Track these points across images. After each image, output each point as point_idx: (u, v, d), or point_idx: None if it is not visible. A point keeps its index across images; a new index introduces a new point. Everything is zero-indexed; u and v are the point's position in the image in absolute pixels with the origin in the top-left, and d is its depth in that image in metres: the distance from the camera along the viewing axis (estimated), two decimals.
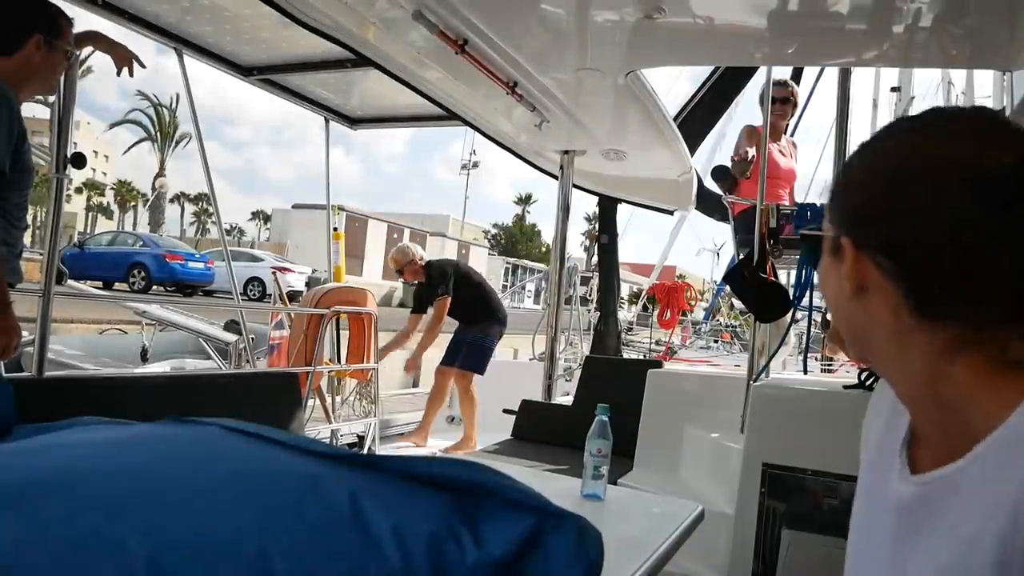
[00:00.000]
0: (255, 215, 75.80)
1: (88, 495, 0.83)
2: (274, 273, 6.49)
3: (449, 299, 5.41)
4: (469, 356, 5.37)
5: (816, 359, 5.33)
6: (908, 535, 0.71)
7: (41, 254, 2.48)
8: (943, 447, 0.69)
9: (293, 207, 39.62)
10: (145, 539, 0.80)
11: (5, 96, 2.02)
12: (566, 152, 4.42)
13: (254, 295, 19.58)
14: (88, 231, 41.74)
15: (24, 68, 2.14)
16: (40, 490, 0.83)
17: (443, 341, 5.61)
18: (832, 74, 8.25)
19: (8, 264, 2.13)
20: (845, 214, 0.75)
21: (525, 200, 68.65)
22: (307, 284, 16.99)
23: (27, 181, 2.18)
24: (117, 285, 18.71)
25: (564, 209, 4.73)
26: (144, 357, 6.35)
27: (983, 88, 11.07)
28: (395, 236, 37.02)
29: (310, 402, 4.28)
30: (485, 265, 41.46)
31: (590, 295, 7.80)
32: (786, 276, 3.94)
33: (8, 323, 2.00)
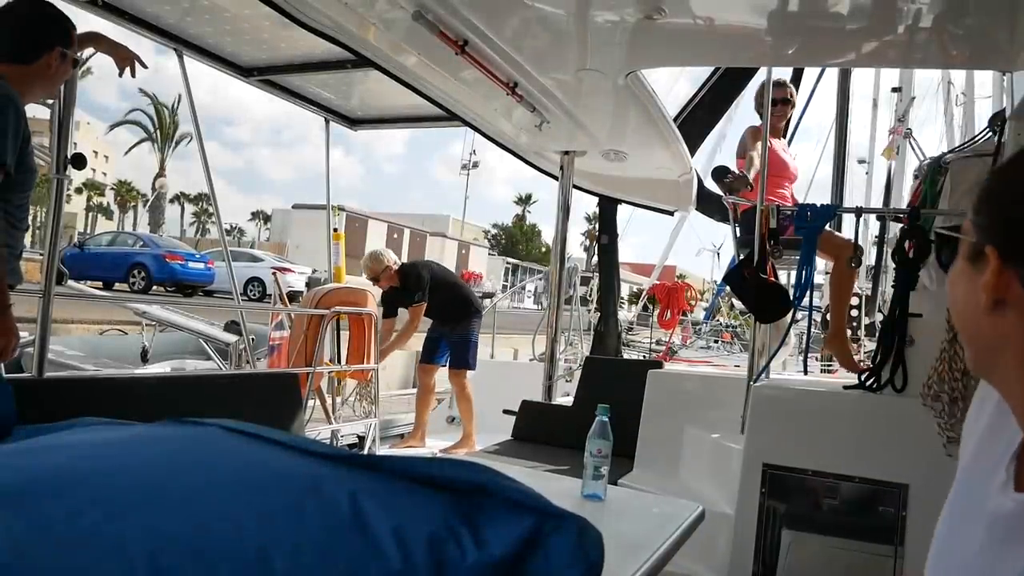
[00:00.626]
0: (255, 215, 75.87)
1: (88, 495, 0.83)
2: (274, 273, 6.49)
3: (425, 305, 5.34)
4: (458, 354, 5.41)
5: (816, 359, 5.34)
6: (1002, 547, 0.70)
7: (41, 254, 2.48)
8: None
9: (293, 207, 39.63)
10: (145, 539, 0.80)
11: (12, 100, 2.08)
12: (566, 153, 4.42)
13: (254, 295, 19.56)
14: (88, 231, 41.73)
15: (38, 76, 2.23)
16: (40, 490, 0.83)
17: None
18: (832, 74, 8.27)
19: (8, 265, 2.15)
20: (997, 222, 0.71)
21: (525, 200, 68.65)
22: (307, 284, 16.99)
23: (29, 182, 2.24)
24: (117, 285, 18.70)
25: (564, 209, 4.73)
26: (144, 358, 6.35)
27: (983, 89, 11.09)
28: (395, 236, 37.02)
29: (310, 403, 4.28)
30: (485, 265, 41.46)
31: (590, 295, 7.79)
32: (786, 276, 3.94)
33: (7, 324, 2.03)
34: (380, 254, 5.43)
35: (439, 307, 5.43)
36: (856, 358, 5.98)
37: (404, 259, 5.91)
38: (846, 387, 2.89)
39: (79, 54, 2.36)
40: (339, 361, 5.19)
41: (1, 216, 2.12)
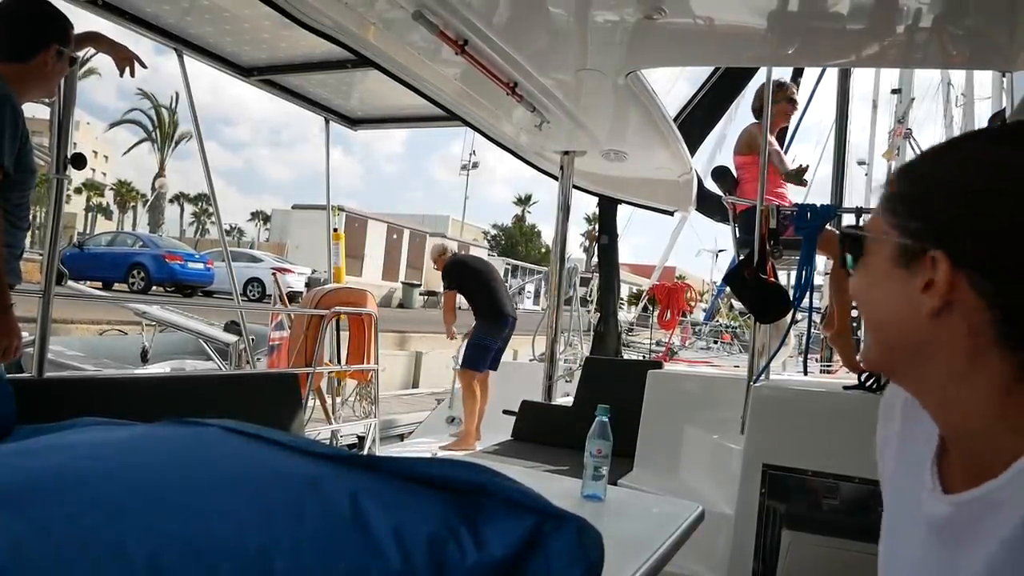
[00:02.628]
0: (254, 215, 75.82)
1: (88, 496, 0.83)
2: (274, 274, 6.50)
3: (453, 294, 5.94)
4: (466, 354, 5.65)
5: (816, 360, 5.33)
6: (945, 553, 0.70)
7: (41, 254, 2.48)
8: (980, 464, 0.67)
9: (293, 207, 39.58)
10: (145, 540, 0.80)
11: (8, 98, 2.07)
12: (566, 153, 4.42)
13: (254, 296, 19.57)
14: (88, 231, 41.73)
15: (35, 74, 2.22)
16: (40, 491, 0.83)
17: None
18: (832, 75, 8.26)
19: (8, 265, 2.15)
20: (940, 224, 0.69)
21: (525, 201, 68.62)
22: (307, 285, 17.00)
23: (29, 182, 2.23)
24: (117, 285, 18.70)
25: (564, 210, 4.73)
26: (144, 358, 6.36)
27: (983, 89, 11.10)
28: (395, 236, 37.01)
29: (310, 403, 4.28)
30: None
31: (590, 296, 7.79)
32: (786, 277, 3.94)
33: (9, 324, 2.04)
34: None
35: (469, 301, 5.97)
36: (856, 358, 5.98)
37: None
38: (846, 387, 2.89)
39: (78, 53, 2.35)
40: (339, 361, 5.19)
41: (1, 216, 2.10)
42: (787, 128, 4.69)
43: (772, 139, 3.99)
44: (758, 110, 4.13)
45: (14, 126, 2.06)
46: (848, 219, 3.59)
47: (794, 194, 4.31)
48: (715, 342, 12.81)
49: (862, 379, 2.82)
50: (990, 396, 0.67)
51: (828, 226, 3.21)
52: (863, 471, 2.64)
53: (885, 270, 0.73)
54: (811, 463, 2.72)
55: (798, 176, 3.87)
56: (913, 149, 9.09)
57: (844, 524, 2.65)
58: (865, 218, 3.34)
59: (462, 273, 5.95)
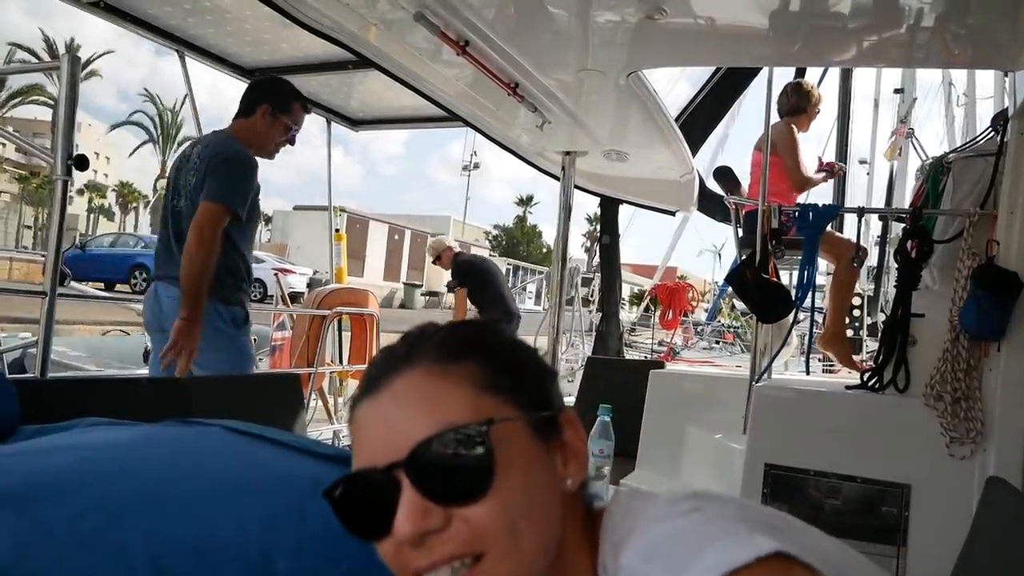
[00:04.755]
0: None
1: (91, 497, 0.83)
2: (276, 274, 6.50)
3: (463, 291, 6.06)
4: None
5: (819, 360, 5.33)
6: None
7: (43, 256, 2.49)
8: None
9: (294, 208, 39.63)
10: (148, 541, 0.80)
11: (250, 160, 2.63)
12: (567, 153, 4.41)
13: (255, 296, 19.58)
14: (90, 232, 41.79)
15: (252, 129, 2.70)
16: (43, 491, 0.83)
17: None
18: (834, 75, 8.26)
19: (234, 294, 2.74)
20: (526, 384, 0.68)
21: (526, 201, 68.62)
22: (308, 285, 17.01)
23: (254, 226, 2.84)
24: (119, 286, 18.72)
25: (566, 210, 4.72)
26: (146, 358, 6.36)
27: (984, 89, 11.07)
28: (396, 237, 37.01)
29: (312, 403, 4.28)
30: None
31: (592, 296, 7.79)
32: (788, 277, 3.94)
33: (193, 334, 2.54)
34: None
35: (474, 302, 6.05)
36: (857, 358, 5.98)
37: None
38: (848, 387, 2.88)
39: (296, 128, 2.83)
40: (341, 361, 5.20)
41: (228, 248, 2.62)
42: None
43: (796, 138, 3.97)
44: (792, 110, 4.08)
45: (252, 182, 2.62)
46: (850, 219, 3.58)
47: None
48: (717, 342, 12.81)
49: (864, 379, 2.82)
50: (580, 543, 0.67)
51: (829, 227, 3.21)
52: (866, 471, 2.64)
53: (531, 457, 0.65)
54: (813, 463, 2.72)
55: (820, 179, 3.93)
56: (915, 149, 9.06)
57: (846, 524, 2.65)
58: (868, 220, 3.34)
59: (471, 272, 6.03)
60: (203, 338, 2.63)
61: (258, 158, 2.75)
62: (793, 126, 4.02)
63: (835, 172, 4.34)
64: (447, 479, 0.59)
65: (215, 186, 2.55)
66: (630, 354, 8.28)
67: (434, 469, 0.60)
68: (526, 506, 0.62)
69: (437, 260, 6.36)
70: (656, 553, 0.58)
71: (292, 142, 2.80)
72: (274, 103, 2.68)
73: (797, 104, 4.10)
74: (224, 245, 2.59)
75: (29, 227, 48.59)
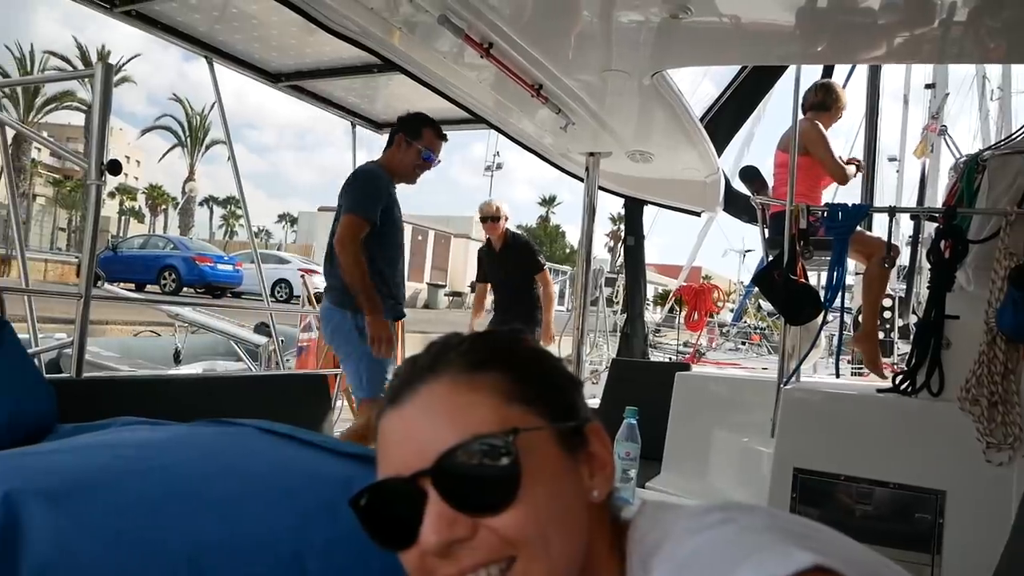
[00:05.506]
0: (281, 217, 76.66)
1: (129, 494, 0.85)
2: (303, 276, 6.56)
3: (484, 287, 5.42)
4: None
5: (848, 362, 5.26)
6: None
7: (77, 257, 2.54)
8: None
9: (319, 210, 39.87)
10: (184, 538, 0.82)
11: (375, 173, 3.12)
12: (591, 154, 4.40)
13: (281, 296, 19.78)
14: (121, 234, 42.45)
15: (393, 158, 3.15)
16: (83, 488, 0.85)
17: None
18: (861, 71, 8.14)
19: (385, 304, 3.06)
20: (551, 394, 0.69)
21: (549, 202, 68.53)
22: None
23: (395, 236, 3.18)
24: (149, 287, 19.01)
25: (590, 211, 4.70)
26: (177, 359, 6.47)
27: (1021, 82, 10.84)
28: (419, 238, 37.13)
29: (338, 403, 4.31)
30: None
31: (616, 297, 7.76)
32: (816, 278, 3.89)
33: (383, 325, 2.99)
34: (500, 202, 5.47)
35: (505, 303, 5.27)
36: (888, 361, 5.89)
37: (428, 261, 6.07)
38: (880, 390, 2.84)
39: (438, 159, 3.27)
40: None
41: (375, 260, 3.00)
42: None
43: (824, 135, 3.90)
44: (815, 105, 4.01)
45: (379, 192, 3.03)
46: (879, 218, 3.53)
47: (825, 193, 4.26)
48: (743, 343, 12.70)
49: (896, 382, 2.77)
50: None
51: (859, 227, 3.16)
52: (898, 476, 2.60)
53: (555, 469, 0.64)
54: (844, 467, 2.68)
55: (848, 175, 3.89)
56: (948, 146, 8.89)
57: (878, 531, 2.61)
58: (899, 219, 3.28)
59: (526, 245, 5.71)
60: (339, 347, 3.15)
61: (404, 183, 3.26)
62: (818, 122, 3.94)
63: (859, 168, 4.27)
64: (473, 488, 0.59)
65: (348, 200, 3.02)
66: (655, 355, 8.24)
67: (460, 478, 0.59)
68: (553, 515, 0.61)
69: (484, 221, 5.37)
70: (688, 567, 0.57)
71: (428, 166, 3.21)
72: (407, 132, 3.11)
73: (823, 101, 4.02)
74: (363, 254, 3.00)
75: (63, 229, 49.50)
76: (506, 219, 5.12)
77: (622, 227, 6.74)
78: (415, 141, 3.09)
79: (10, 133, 3.64)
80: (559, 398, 0.68)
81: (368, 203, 3.00)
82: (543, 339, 5.08)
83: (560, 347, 7.03)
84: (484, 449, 0.59)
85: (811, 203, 3.53)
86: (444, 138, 3.22)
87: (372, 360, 3.06)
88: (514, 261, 5.08)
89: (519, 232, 5.23)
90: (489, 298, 5.68)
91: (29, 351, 1.99)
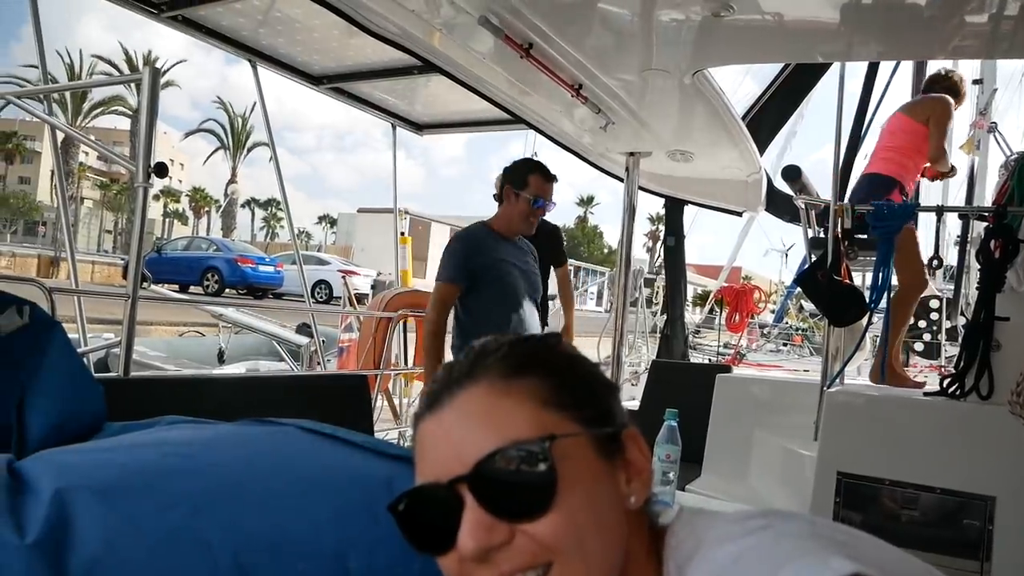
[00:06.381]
0: (321, 219, 77.69)
1: (175, 492, 0.87)
2: (344, 277, 6.63)
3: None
4: None
5: None
6: None
7: (123, 259, 2.61)
8: None
9: (358, 211, 40.35)
10: (229, 536, 0.83)
11: (461, 235, 3.03)
12: (631, 154, 4.37)
13: (321, 297, 20.02)
14: (165, 236, 43.42)
15: (505, 211, 3.02)
16: (131, 486, 0.87)
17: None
18: (906, 67, 7.97)
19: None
20: (589, 398, 0.69)
21: (587, 202, 68.34)
22: (372, 287, 17.30)
23: (490, 295, 2.93)
24: (192, 288, 19.40)
25: (630, 211, 4.67)
26: (221, 359, 6.59)
27: None
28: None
29: (379, 403, 4.35)
30: None
31: (655, 298, 7.70)
32: (861, 279, 3.81)
33: None
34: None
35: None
36: (935, 363, 5.74)
37: None
38: (927, 394, 2.78)
39: (551, 203, 3.05)
40: (406, 362, 5.26)
41: (461, 316, 2.91)
42: None
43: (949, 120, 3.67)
44: (948, 89, 3.69)
45: (464, 254, 2.91)
46: (927, 217, 3.43)
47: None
48: (785, 345, 12.50)
49: (944, 385, 2.71)
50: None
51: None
52: (946, 481, 2.53)
53: (595, 475, 0.64)
54: (889, 472, 2.63)
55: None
56: (998, 142, 8.65)
57: (925, 536, 2.55)
58: (946, 219, 3.18)
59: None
60: None
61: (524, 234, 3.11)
62: (952, 104, 3.66)
63: (952, 172, 4.02)
64: (511, 495, 0.59)
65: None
66: (694, 357, 8.15)
67: (497, 485, 0.60)
68: (590, 521, 0.61)
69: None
70: (725, 574, 0.57)
71: (543, 212, 3.06)
72: (513, 183, 2.98)
73: (956, 87, 3.70)
74: (458, 313, 2.96)
75: (109, 232, 50.82)
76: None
77: (661, 227, 6.68)
78: (523, 191, 2.97)
79: (59, 137, 3.74)
80: (596, 403, 0.68)
81: (449, 268, 2.95)
82: None
83: (599, 348, 6.99)
84: (521, 455, 0.60)
85: (910, 175, 3.46)
86: (553, 178, 3.07)
87: None
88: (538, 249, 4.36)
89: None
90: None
91: (79, 351, 2.05)
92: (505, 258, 2.97)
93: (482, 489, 0.60)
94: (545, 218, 4.00)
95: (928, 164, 3.65)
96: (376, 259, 21.75)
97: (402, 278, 5.70)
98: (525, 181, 2.97)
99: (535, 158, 3.41)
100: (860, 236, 3.22)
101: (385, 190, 5.33)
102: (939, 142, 3.53)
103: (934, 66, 4.06)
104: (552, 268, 4.41)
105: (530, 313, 3.02)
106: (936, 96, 3.62)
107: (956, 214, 3.96)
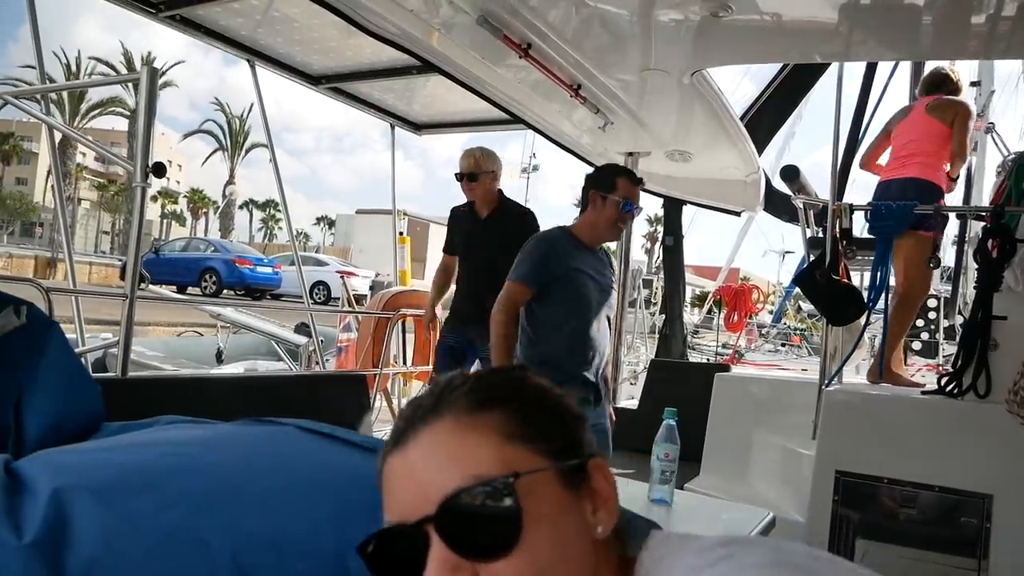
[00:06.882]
0: (319, 220, 77.64)
1: (173, 492, 0.86)
2: (343, 277, 6.63)
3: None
4: None
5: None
6: None
7: (120, 260, 2.60)
8: None
9: (356, 212, 40.37)
10: (228, 536, 0.83)
11: (538, 239, 2.82)
12: (630, 154, 4.38)
13: (320, 298, 19.98)
14: (163, 237, 43.37)
15: (590, 217, 2.78)
16: (129, 486, 0.87)
17: None
18: (904, 68, 7.97)
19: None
20: (551, 429, 0.67)
21: None
22: (371, 288, 17.29)
23: (561, 300, 2.72)
24: (189, 289, 19.36)
25: None
26: (219, 359, 6.58)
27: None
28: None
29: (377, 403, 4.35)
30: None
31: (653, 298, 7.70)
32: (859, 278, 3.81)
33: None
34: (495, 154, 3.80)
35: (479, 291, 3.45)
36: (933, 362, 5.75)
37: None
38: (924, 392, 2.78)
39: (638, 207, 2.81)
40: (404, 362, 5.26)
41: (528, 323, 2.74)
42: None
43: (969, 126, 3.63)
44: (953, 91, 3.64)
45: (541, 258, 2.71)
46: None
47: (862, 191, 4.16)
48: (783, 345, 12.51)
49: (942, 383, 2.71)
50: None
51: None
52: (944, 480, 2.54)
53: (557, 507, 0.63)
54: (887, 470, 2.63)
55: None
56: (996, 144, 8.67)
57: (923, 534, 2.55)
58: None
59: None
60: None
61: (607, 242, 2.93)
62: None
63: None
64: (475, 533, 0.59)
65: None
66: (693, 357, 8.15)
67: (463, 523, 0.59)
68: (556, 558, 0.61)
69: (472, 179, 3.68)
70: None
71: (631, 217, 2.86)
72: (600, 187, 2.76)
73: (959, 91, 3.69)
74: (523, 323, 2.77)
75: (107, 233, 50.76)
76: (494, 178, 3.70)
77: (659, 229, 6.67)
78: (611, 195, 2.75)
79: (57, 137, 3.74)
80: (562, 435, 0.67)
81: (522, 268, 2.76)
82: None
83: None
84: (486, 492, 0.59)
85: (936, 173, 3.40)
86: (641, 182, 2.87)
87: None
88: (503, 234, 3.52)
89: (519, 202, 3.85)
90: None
91: (76, 351, 2.04)
92: (582, 268, 2.76)
93: (447, 528, 0.59)
94: (515, 200, 3.69)
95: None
96: (374, 260, 21.74)
97: (401, 278, 5.69)
98: (613, 184, 2.76)
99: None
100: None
101: (383, 192, 5.35)
102: (963, 140, 3.47)
103: (932, 67, 4.05)
104: None
105: (601, 330, 2.81)
106: (958, 99, 3.58)
107: (954, 214, 3.96)
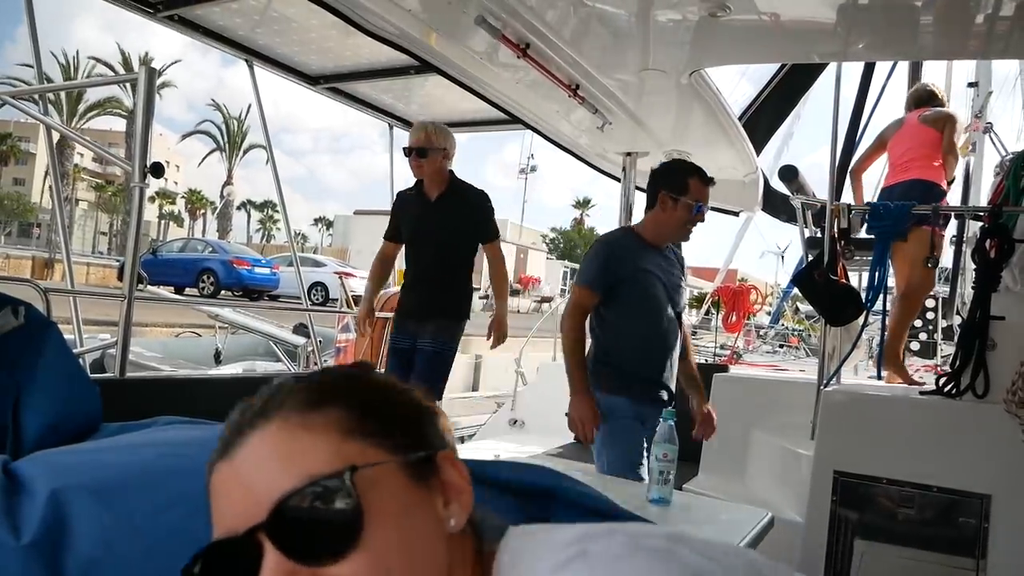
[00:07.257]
0: (317, 221, 77.59)
1: (172, 492, 0.86)
2: (341, 278, 6.62)
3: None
4: (431, 371, 3.51)
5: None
6: None
7: (118, 261, 2.60)
8: None
9: (354, 213, 40.36)
10: None
11: (599, 244, 2.78)
12: (629, 154, 4.38)
13: (317, 299, 19.96)
14: (160, 238, 43.35)
15: (658, 218, 2.70)
16: (127, 486, 0.87)
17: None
18: (902, 69, 7.98)
19: (601, 379, 2.66)
20: (393, 424, 0.64)
21: (584, 204, 68.40)
22: None
23: (628, 308, 2.68)
24: (187, 290, 19.35)
25: (627, 212, 4.68)
26: (218, 359, 6.57)
27: None
28: None
29: None
30: (544, 269, 41.43)
31: None
32: (857, 279, 3.82)
33: (585, 406, 2.59)
34: (449, 131, 3.48)
35: (426, 280, 3.47)
36: (931, 363, 5.75)
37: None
38: (923, 392, 2.78)
39: (704, 207, 2.71)
40: None
41: (598, 327, 2.70)
42: None
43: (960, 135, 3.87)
44: (939, 105, 3.93)
45: (602, 262, 2.67)
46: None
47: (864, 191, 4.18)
48: (781, 346, 12.51)
49: (940, 383, 2.71)
50: None
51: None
52: (942, 480, 2.54)
53: (408, 502, 0.60)
54: (886, 471, 2.63)
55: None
56: (994, 144, 8.67)
57: (921, 535, 2.55)
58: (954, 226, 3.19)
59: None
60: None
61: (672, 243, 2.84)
62: None
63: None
64: (312, 536, 0.54)
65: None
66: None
67: (297, 527, 0.55)
68: (403, 556, 0.57)
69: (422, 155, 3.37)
70: None
71: (701, 219, 2.74)
72: (671, 188, 2.67)
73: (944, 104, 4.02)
74: (593, 326, 2.74)
75: (104, 234, 50.72)
76: (446, 155, 3.42)
77: None
78: (683, 197, 2.65)
79: (55, 137, 3.74)
80: (406, 429, 0.64)
81: (587, 273, 2.71)
82: (494, 337, 3.68)
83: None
84: (320, 491, 0.55)
85: (936, 174, 3.59)
86: (711, 181, 2.75)
87: (611, 452, 2.67)
88: (456, 217, 3.41)
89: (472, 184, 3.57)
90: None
91: (75, 351, 2.04)
92: (650, 268, 2.68)
93: (280, 534, 0.55)
94: (472, 183, 3.44)
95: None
96: (372, 260, 21.70)
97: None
98: (685, 186, 2.66)
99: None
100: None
101: (381, 193, 5.34)
102: (952, 140, 3.69)
103: (930, 67, 4.11)
104: (480, 244, 3.53)
105: (672, 329, 2.74)
106: (948, 110, 3.86)
107: (952, 214, 3.97)
